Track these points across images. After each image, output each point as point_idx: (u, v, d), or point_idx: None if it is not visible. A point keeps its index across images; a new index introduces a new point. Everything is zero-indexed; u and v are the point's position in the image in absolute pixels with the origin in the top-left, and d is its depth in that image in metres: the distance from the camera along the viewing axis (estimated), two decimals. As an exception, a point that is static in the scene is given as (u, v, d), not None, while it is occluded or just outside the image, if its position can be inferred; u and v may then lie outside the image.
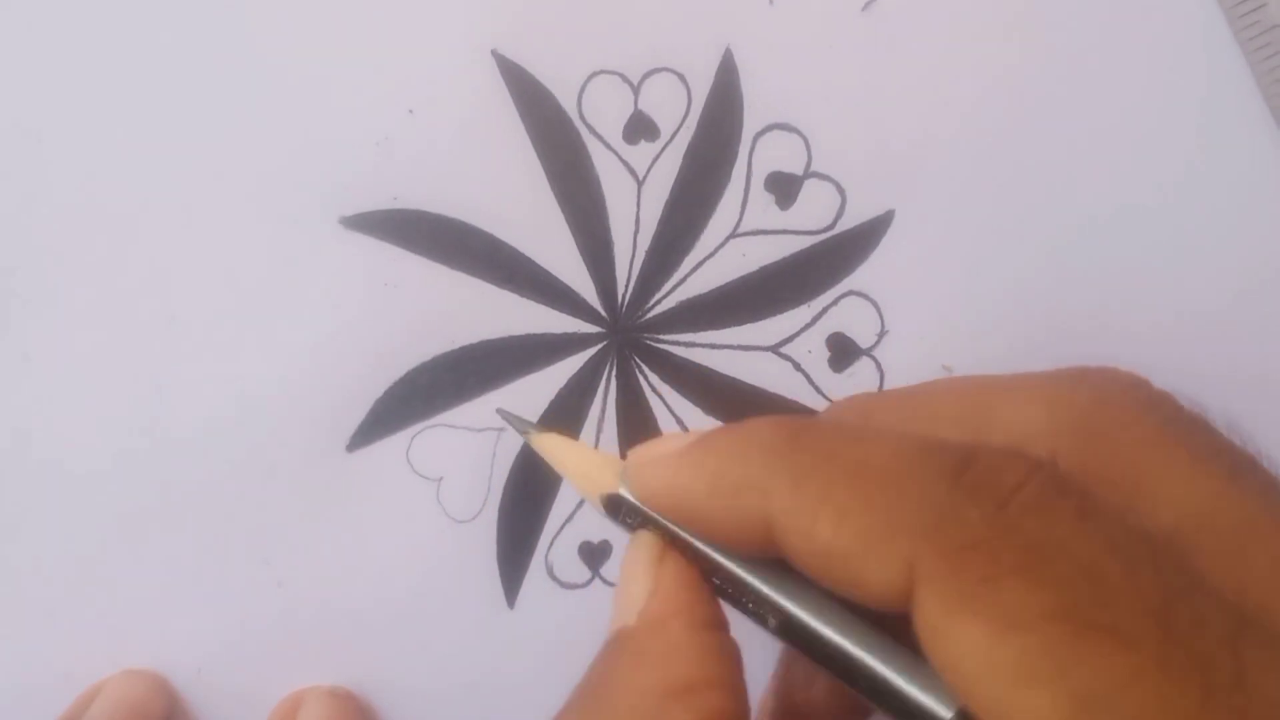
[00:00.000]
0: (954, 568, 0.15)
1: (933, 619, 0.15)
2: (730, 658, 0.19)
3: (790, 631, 0.19)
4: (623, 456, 0.30)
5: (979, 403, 0.19)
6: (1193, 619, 0.15)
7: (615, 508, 0.22)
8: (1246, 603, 0.16)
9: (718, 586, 0.20)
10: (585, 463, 0.24)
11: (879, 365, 0.31)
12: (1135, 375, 0.20)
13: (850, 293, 0.31)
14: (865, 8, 0.30)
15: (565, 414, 0.30)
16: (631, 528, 0.22)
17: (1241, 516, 0.17)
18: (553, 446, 0.25)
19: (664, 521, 0.21)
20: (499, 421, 0.30)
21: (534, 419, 0.30)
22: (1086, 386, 0.19)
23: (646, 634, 0.20)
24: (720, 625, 0.20)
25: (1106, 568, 0.15)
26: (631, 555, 0.21)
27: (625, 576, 0.21)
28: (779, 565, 0.19)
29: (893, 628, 0.18)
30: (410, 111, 0.30)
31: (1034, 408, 0.19)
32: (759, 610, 0.20)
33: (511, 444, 0.30)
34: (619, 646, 0.20)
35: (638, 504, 0.21)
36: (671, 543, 0.21)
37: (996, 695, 0.14)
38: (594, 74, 0.30)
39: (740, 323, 0.31)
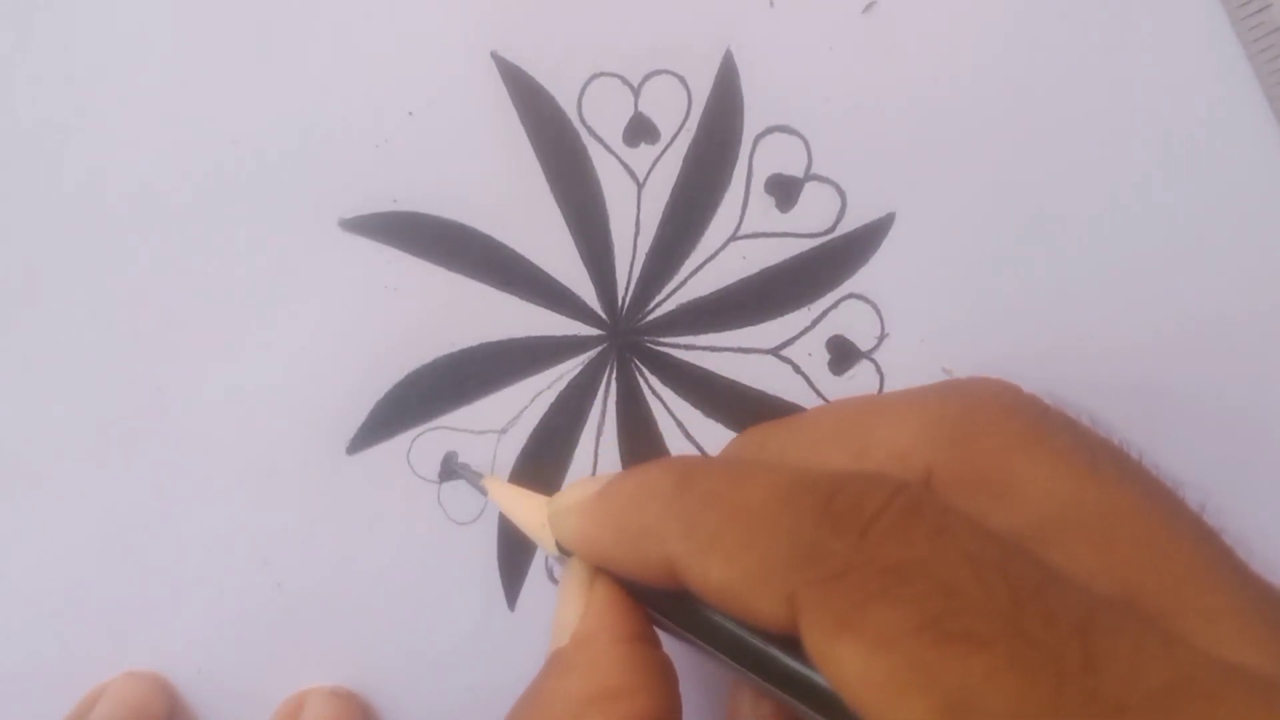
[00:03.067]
0: (827, 597, 0.17)
1: (816, 645, 0.17)
2: (656, 667, 0.21)
3: (712, 654, 0.21)
4: (623, 461, 0.30)
5: (859, 424, 0.21)
6: (1042, 614, 0.16)
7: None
8: (1116, 586, 0.17)
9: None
10: (534, 510, 0.26)
11: (879, 368, 0.31)
12: (1003, 382, 0.21)
13: (851, 295, 0.31)
14: (866, 10, 0.30)
15: (565, 417, 0.30)
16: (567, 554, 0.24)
17: (1105, 505, 0.18)
18: (505, 497, 0.28)
19: None
20: (499, 424, 0.30)
21: (535, 421, 0.30)
22: (957, 398, 0.20)
23: (574, 650, 0.21)
24: (647, 639, 0.22)
25: (960, 579, 0.16)
26: (565, 582, 0.23)
27: (560, 601, 0.23)
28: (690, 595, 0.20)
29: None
30: (410, 114, 0.30)
31: (909, 423, 0.20)
32: (680, 634, 0.21)
33: (512, 446, 0.30)
34: (550, 665, 0.21)
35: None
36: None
37: (879, 709, 0.16)
38: (594, 76, 0.30)
39: (740, 325, 0.31)
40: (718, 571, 0.18)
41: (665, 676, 0.21)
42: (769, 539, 0.18)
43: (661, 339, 0.31)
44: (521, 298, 0.30)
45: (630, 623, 0.21)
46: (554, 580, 0.31)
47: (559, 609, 0.23)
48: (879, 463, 0.20)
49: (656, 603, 0.22)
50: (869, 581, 0.17)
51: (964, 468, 0.19)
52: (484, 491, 0.29)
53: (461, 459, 0.30)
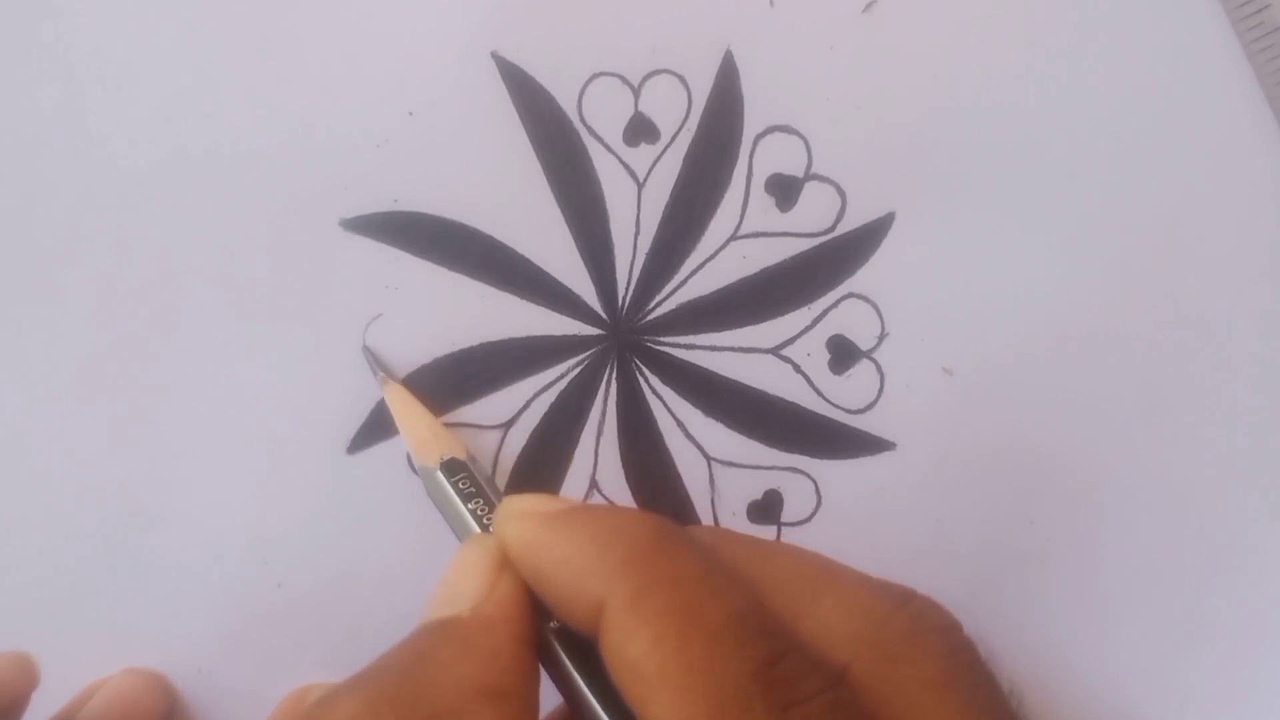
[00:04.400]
0: None
1: None
2: (536, 680, 0.21)
3: (572, 703, 0.21)
4: (623, 461, 0.30)
5: (810, 585, 0.21)
6: None
7: (433, 475, 0.27)
8: None
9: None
10: (424, 430, 0.28)
11: (879, 367, 0.31)
12: (950, 618, 0.21)
13: (851, 295, 0.31)
14: (866, 9, 0.30)
15: (566, 416, 0.30)
16: (462, 497, 0.26)
17: None
18: (398, 404, 0.29)
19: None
20: (500, 423, 0.30)
21: (536, 421, 0.30)
22: (904, 614, 0.20)
23: (477, 630, 0.21)
24: (535, 648, 0.21)
25: None
26: (472, 551, 0.22)
27: (463, 567, 0.22)
28: (586, 640, 0.20)
29: None
30: (410, 114, 0.30)
31: (852, 613, 0.20)
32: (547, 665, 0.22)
33: (513, 447, 0.30)
34: (446, 630, 0.21)
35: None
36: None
37: None
38: (594, 76, 0.30)
39: (740, 325, 0.31)
40: (636, 650, 0.18)
41: (537, 687, 0.21)
42: (702, 659, 0.18)
43: (662, 338, 0.31)
44: (521, 297, 0.30)
45: (530, 626, 0.21)
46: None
47: (456, 573, 0.22)
48: (811, 631, 0.20)
49: (558, 631, 0.22)
50: None
51: (879, 681, 0.19)
52: (380, 385, 0.30)
53: (372, 351, 0.30)
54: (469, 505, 0.27)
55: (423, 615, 0.22)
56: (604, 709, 0.21)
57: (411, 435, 0.29)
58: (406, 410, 0.29)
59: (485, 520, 0.27)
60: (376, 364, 0.30)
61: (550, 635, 0.22)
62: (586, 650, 0.21)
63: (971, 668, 0.20)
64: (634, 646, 0.18)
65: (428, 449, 0.28)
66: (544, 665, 0.22)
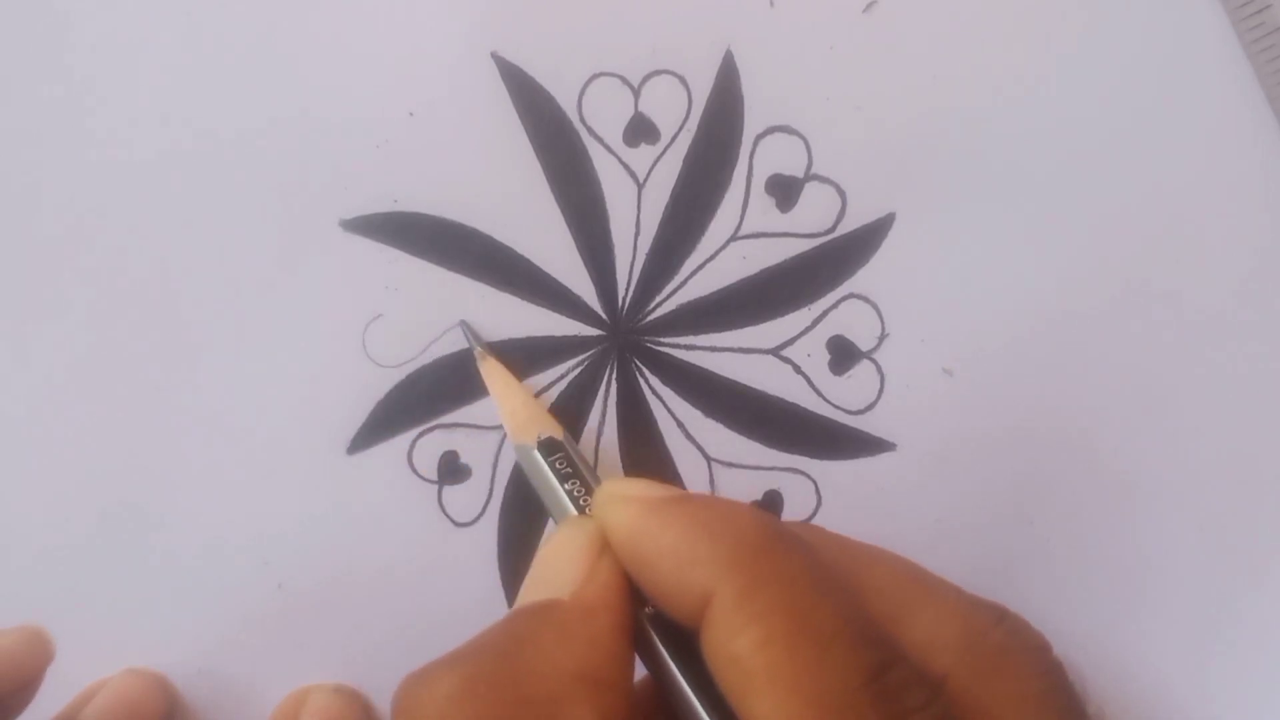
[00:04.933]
0: None
1: None
2: (632, 669, 0.21)
3: (665, 689, 0.21)
4: (623, 460, 0.30)
5: (909, 594, 0.21)
6: None
7: (530, 453, 0.27)
8: None
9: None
10: (520, 407, 0.28)
11: (879, 368, 0.31)
12: (1042, 638, 0.21)
13: (851, 295, 0.31)
14: (866, 9, 0.30)
15: (566, 416, 0.30)
16: (556, 477, 0.26)
17: None
18: (495, 379, 0.29)
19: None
20: (500, 424, 0.30)
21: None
22: (1002, 629, 0.20)
23: (577, 615, 0.20)
24: (633, 637, 0.21)
25: None
26: (571, 535, 0.22)
27: (563, 551, 0.22)
28: (682, 630, 0.20)
29: None
30: (410, 114, 0.30)
31: (951, 624, 0.20)
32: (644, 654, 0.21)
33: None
34: (546, 614, 0.21)
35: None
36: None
37: None
38: (594, 76, 0.30)
39: (740, 325, 0.31)
40: (742, 647, 0.18)
41: (633, 677, 0.21)
42: (811, 665, 0.18)
43: (662, 339, 0.31)
44: (522, 298, 0.30)
45: (630, 615, 0.21)
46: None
47: (554, 558, 0.22)
48: (908, 640, 0.20)
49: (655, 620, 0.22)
50: None
51: (975, 693, 0.19)
52: (477, 360, 0.29)
53: (469, 324, 0.30)
54: (565, 486, 0.27)
55: (520, 596, 0.22)
56: (700, 701, 0.20)
57: (508, 412, 0.29)
58: (504, 386, 0.29)
59: (582, 502, 0.26)
60: (474, 337, 0.30)
61: (646, 622, 0.21)
62: (682, 639, 0.21)
63: (1063, 689, 0.20)
64: (741, 642, 0.18)
65: (525, 427, 0.28)
66: (638, 651, 0.22)
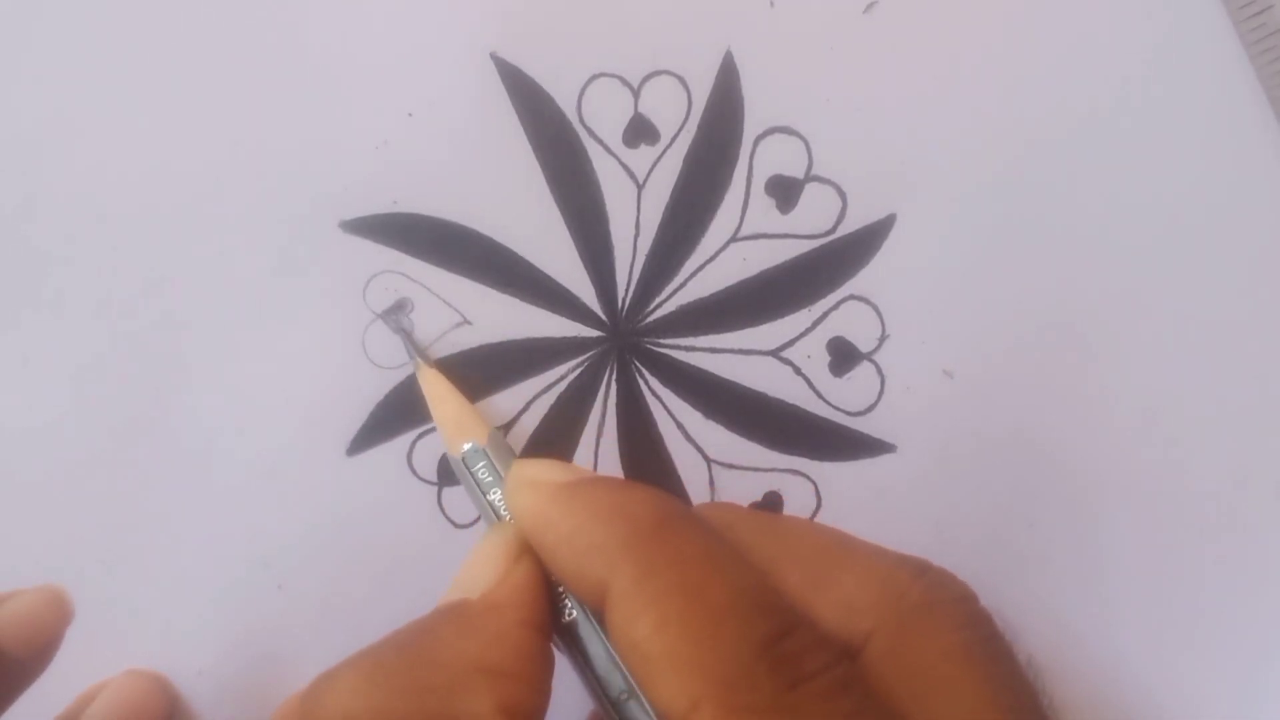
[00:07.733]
0: None
1: None
2: (544, 660, 0.21)
3: (586, 679, 0.22)
4: (623, 462, 0.30)
5: (829, 559, 0.21)
6: None
7: (463, 462, 0.27)
8: None
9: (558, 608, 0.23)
10: (448, 417, 0.28)
11: (880, 369, 0.31)
12: (967, 588, 0.21)
13: (851, 297, 0.31)
14: (867, 10, 0.30)
15: (566, 418, 0.30)
16: (484, 486, 0.27)
17: None
18: (430, 389, 0.29)
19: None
20: (500, 425, 0.30)
21: (536, 423, 0.30)
22: (923, 584, 0.20)
23: (483, 613, 0.21)
24: (545, 630, 0.22)
25: None
26: (494, 539, 0.23)
27: (481, 554, 0.23)
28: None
29: None
30: (410, 115, 0.30)
31: (871, 584, 0.20)
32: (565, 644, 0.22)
33: (513, 447, 0.30)
34: (455, 613, 0.21)
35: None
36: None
37: None
38: (594, 77, 0.30)
39: (740, 327, 0.31)
40: (642, 631, 0.18)
41: (546, 670, 0.21)
42: (707, 638, 0.18)
43: (662, 340, 0.31)
44: (521, 299, 0.30)
45: (539, 612, 0.22)
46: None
47: (475, 560, 0.22)
48: (829, 604, 0.20)
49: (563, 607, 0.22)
50: None
51: (899, 651, 0.19)
52: (415, 368, 0.30)
53: (409, 334, 0.30)
54: (488, 497, 0.27)
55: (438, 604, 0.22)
56: (602, 691, 0.21)
57: (438, 423, 0.29)
58: (435, 398, 0.29)
59: (504, 510, 0.27)
60: (412, 347, 0.30)
61: (574, 614, 0.22)
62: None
63: (991, 639, 0.20)
64: (639, 628, 0.18)
65: (451, 439, 0.28)
66: (564, 646, 0.22)
